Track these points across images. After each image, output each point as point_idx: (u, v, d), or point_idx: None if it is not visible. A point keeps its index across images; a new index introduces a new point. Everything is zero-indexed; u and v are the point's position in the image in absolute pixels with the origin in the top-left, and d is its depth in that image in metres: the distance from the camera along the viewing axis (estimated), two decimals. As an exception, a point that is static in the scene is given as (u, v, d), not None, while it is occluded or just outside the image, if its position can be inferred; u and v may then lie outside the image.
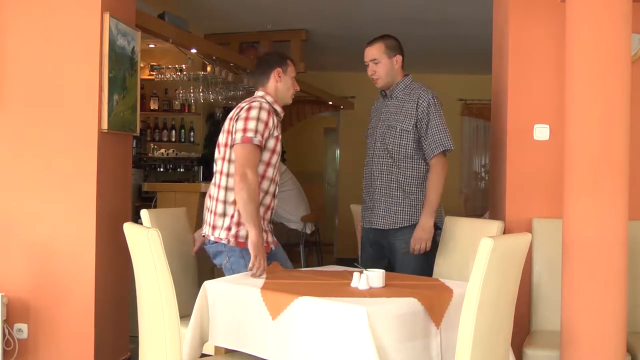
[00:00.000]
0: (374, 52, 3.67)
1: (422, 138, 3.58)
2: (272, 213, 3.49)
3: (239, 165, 3.23)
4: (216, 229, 3.34)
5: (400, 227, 3.61)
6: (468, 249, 3.43)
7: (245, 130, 3.26)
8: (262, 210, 3.36)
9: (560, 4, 3.53)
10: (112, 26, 3.87)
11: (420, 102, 3.58)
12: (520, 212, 3.81)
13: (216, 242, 3.34)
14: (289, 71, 3.51)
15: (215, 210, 3.36)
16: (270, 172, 3.38)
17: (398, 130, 3.60)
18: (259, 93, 3.49)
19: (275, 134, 3.36)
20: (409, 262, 3.57)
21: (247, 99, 3.46)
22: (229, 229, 3.31)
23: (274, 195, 3.46)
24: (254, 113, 3.29)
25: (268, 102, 3.42)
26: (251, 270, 3.09)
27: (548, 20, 3.80)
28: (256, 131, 3.25)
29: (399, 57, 3.67)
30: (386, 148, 3.64)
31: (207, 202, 3.44)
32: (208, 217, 3.40)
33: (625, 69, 2.99)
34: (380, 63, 3.66)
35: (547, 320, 3.59)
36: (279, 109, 3.47)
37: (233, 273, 3.25)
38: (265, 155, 3.34)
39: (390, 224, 3.63)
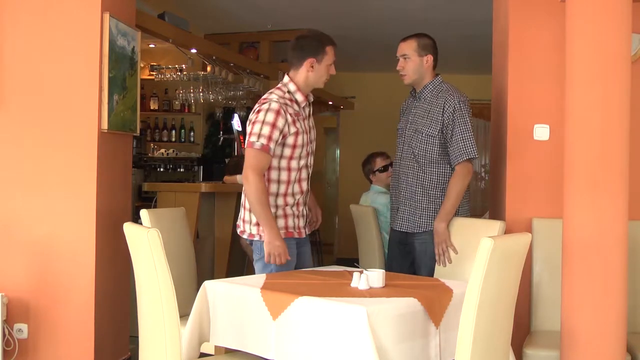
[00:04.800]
0: (406, 48, 3.64)
1: (448, 144, 3.55)
2: (306, 196, 3.46)
3: (244, 168, 3.25)
4: (246, 223, 3.39)
5: (423, 231, 3.60)
6: (468, 249, 3.43)
7: (250, 134, 3.27)
8: (297, 197, 3.38)
9: (560, 4, 3.53)
10: (112, 26, 3.87)
11: (447, 107, 3.53)
12: (520, 212, 3.80)
13: (250, 238, 3.38)
14: (325, 59, 3.37)
15: (244, 204, 3.41)
16: (294, 163, 3.35)
17: (424, 135, 3.58)
18: (284, 79, 3.41)
19: (293, 130, 3.29)
20: (426, 263, 3.60)
21: (266, 94, 3.38)
22: (257, 224, 3.33)
23: (307, 181, 3.44)
24: (260, 116, 3.26)
25: (289, 92, 3.36)
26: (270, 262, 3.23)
27: (548, 20, 3.79)
28: (259, 135, 3.23)
29: (429, 57, 3.63)
30: (412, 152, 3.62)
31: (242, 198, 3.46)
32: (241, 211, 3.45)
33: (625, 69, 2.98)
34: (410, 60, 3.63)
35: (547, 320, 3.59)
36: (300, 98, 3.37)
37: (256, 268, 3.35)
38: (286, 151, 3.31)
39: (413, 227, 3.63)
